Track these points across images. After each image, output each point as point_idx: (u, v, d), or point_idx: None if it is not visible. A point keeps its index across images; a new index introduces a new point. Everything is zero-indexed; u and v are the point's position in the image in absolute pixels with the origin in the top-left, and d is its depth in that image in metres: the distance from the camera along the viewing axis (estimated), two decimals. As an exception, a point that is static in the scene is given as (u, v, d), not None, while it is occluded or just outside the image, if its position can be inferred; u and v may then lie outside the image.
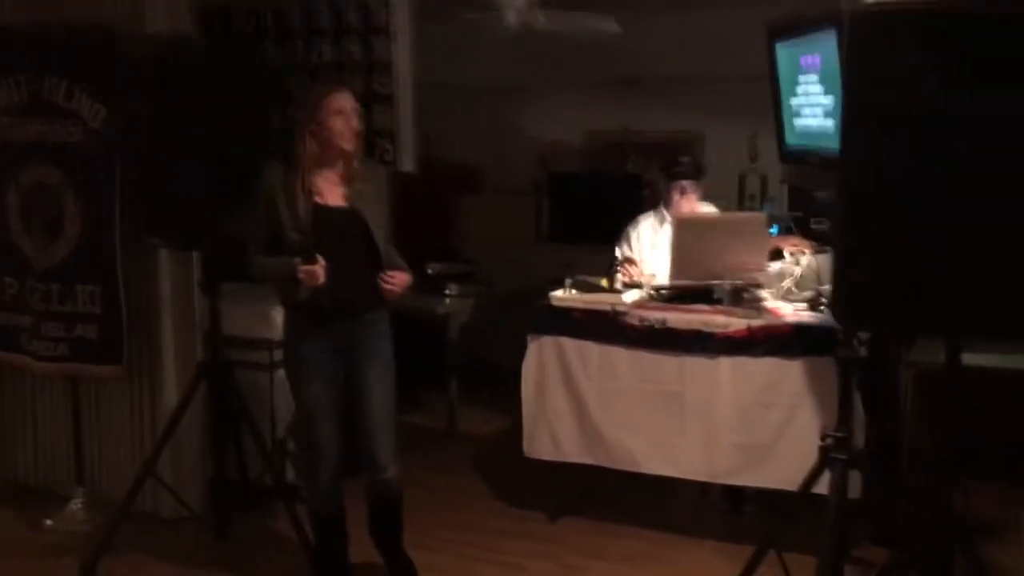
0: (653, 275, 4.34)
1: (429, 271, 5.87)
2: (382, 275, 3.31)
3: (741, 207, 6.46)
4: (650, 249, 4.53)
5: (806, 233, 4.53)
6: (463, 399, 5.76)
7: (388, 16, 4.32)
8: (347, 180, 3.35)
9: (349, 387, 3.43)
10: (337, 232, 3.29)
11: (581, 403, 4.08)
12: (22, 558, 3.94)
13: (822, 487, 3.05)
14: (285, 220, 3.26)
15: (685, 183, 4.48)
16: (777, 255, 4.24)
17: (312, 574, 3.63)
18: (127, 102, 3.85)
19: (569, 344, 4.11)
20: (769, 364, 3.76)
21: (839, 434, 3.01)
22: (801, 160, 3.87)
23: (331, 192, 3.34)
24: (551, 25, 5.57)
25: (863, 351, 3.09)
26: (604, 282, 4.35)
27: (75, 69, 4.04)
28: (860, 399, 3.45)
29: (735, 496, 4.36)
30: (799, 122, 3.86)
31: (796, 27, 3.71)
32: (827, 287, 3.58)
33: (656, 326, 3.94)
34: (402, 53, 4.33)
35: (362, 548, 3.59)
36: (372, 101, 4.34)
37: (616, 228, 4.73)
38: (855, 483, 3.16)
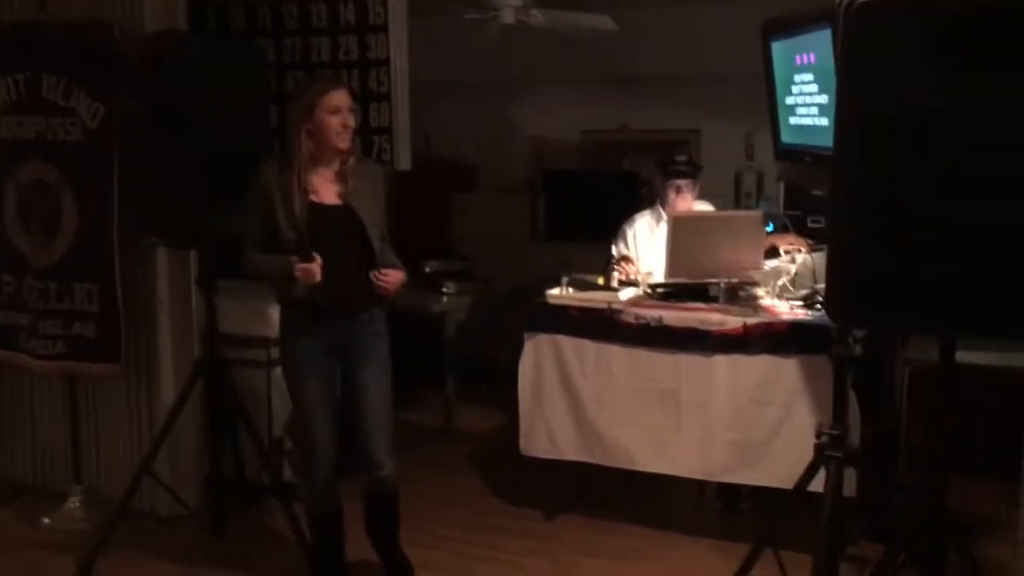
0: (649, 273, 4.35)
1: (426, 269, 5.89)
2: (375, 273, 3.31)
3: (737, 205, 6.49)
4: (646, 247, 4.54)
5: (802, 231, 4.54)
6: (460, 397, 5.77)
7: (384, 14, 4.31)
8: (343, 178, 3.34)
9: (346, 386, 3.43)
10: (332, 230, 3.29)
11: (577, 401, 4.08)
12: (20, 556, 3.94)
13: (818, 485, 3.05)
14: (281, 218, 3.25)
15: (681, 181, 4.49)
16: (773, 253, 4.24)
17: (309, 572, 3.63)
18: (125, 101, 3.86)
19: (565, 342, 4.11)
20: (765, 362, 3.76)
21: (834, 432, 3.01)
22: (796, 158, 3.87)
23: (327, 190, 3.33)
24: (548, 23, 5.59)
25: (858, 349, 3.10)
26: (600, 280, 4.34)
27: (74, 68, 4.04)
28: (856, 397, 3.46)
29: (731, 494, 4.36)
30: (794, 120, 3.86)
31: (791, 24, 3.70)
32: (823, 285, 3.59)
33: (652, 324, 3.94)
34: (399, 51, 4.32)
35: (359, 546, 3.60)
36: (369, 99, 4.34)
37: (612, 226, 4.73)
38: (851, 481, 3.17)
